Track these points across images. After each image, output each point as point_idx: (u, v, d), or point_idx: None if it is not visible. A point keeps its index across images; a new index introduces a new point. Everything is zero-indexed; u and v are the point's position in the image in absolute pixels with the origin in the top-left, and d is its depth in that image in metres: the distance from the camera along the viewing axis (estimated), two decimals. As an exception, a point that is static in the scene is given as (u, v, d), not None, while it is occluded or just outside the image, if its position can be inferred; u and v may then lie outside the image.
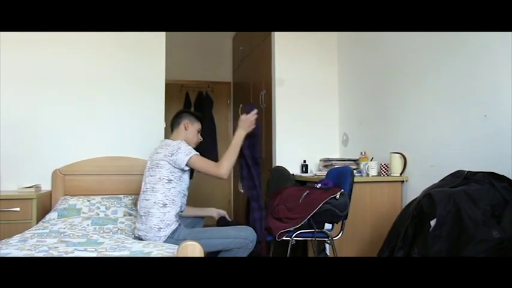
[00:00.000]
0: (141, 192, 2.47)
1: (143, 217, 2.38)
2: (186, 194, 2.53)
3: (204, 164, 2.38)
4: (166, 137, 2.77)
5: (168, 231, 2.32)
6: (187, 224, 2.62)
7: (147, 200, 2.39)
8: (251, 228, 2.39)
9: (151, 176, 2.42)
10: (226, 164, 2.38)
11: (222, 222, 2.75)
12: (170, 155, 2.37)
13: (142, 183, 2.50)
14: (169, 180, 2.38)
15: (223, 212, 2.83)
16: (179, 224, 2.39)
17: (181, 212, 2.51)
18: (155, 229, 2.31)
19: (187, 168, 2.41)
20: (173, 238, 2.32)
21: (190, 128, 2.62)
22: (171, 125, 2.67)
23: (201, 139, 2.72)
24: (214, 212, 2.82)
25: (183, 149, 2.38)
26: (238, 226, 2.46)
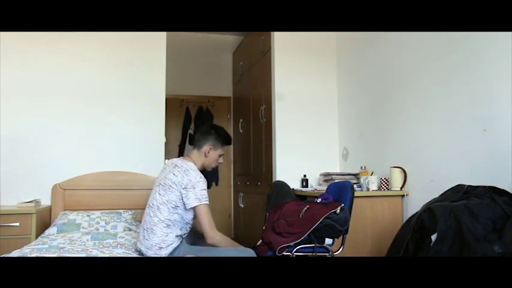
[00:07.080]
0: (147, 206, 2.41)
1: (145, 232, 2.35)
2: (191, 223, 2.43)
3: (205, 218, 2.26)
4: (167, 151, 2.75)
5: (168, 250, 2.29)
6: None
7: (151, 216, 2.35)
8: (251, 250, 2.35)
9: (160, 194, 2.35)
10: (220, 240, 2.29)
11: None
12: (184, 187, 2.28)
13: (150, 196, 2.44)
14: (176, 207, 2.32)
15: None
16: (181, 242, 2.35)
17: (184, 234, 2.43)
18: (156, 247, 2.29)
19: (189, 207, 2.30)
20: (174, 255, 2.29)
21: (212, 154, 2.47)
22: (194, 140, 2.52)
23: (221, 162, 2.57)
24: None
25: (197, 191, 2.27)
26: (239, 248, 2.40)
